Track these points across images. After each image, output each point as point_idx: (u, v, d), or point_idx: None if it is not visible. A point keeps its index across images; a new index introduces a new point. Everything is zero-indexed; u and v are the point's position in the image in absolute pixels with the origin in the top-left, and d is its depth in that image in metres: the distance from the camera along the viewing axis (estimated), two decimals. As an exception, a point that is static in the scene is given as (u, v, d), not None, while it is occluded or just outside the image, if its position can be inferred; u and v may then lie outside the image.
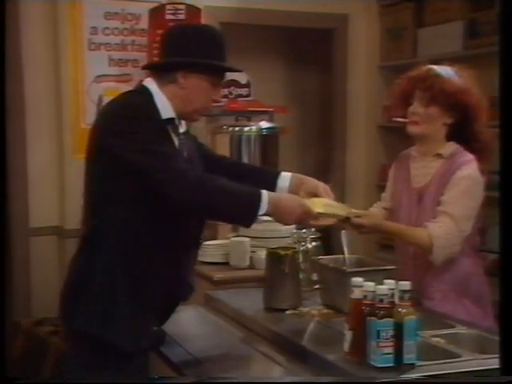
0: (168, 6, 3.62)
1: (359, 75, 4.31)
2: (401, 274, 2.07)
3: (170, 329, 1.97)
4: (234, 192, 1.76)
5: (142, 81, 1.90)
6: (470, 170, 2.07)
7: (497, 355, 1.50)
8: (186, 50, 1.81)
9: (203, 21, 3.64)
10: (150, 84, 1.84)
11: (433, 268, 2.09)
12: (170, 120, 1.82)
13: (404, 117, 2.17)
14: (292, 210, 1.80)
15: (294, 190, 1.98)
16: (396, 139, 4.23)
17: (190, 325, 2.19)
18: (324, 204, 1.90)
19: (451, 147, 2.14)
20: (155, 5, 3.65)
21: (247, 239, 2.76)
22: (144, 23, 3.70)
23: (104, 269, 1.76)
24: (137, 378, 1.80)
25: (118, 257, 1.76)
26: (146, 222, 1.76)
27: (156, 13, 3.63)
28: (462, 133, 2.14)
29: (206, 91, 1.84)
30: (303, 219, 1.85)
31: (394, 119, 2.21)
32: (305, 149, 4.94)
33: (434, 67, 2.15)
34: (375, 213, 2.28)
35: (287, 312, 2.02)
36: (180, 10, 3.59)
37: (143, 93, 1.82)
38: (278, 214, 1.79)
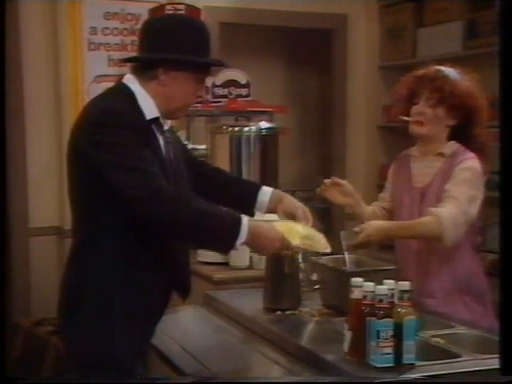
0: (168, 6, 3.62)
1: (359, 75, 4.31)
2: (402, 273, 2.09)
3: (169, 329, 1.97)
4: (213, 217, 1.67)
5: (121, 78, 1.80)
6: (470, 163, 2.09)
7: (496, 355, 1.50)
8: (167, 44, 1.71)
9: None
10: (132, 82, 1.74)
11: (435, 266, 2.10)
12: (155, 119, 1.74)
13: (407, 116, 2.16)
14: (271, 242, 1.73)
15: (272, 206, 1.93)
16: (395, 139, 4.23)
17: (189, 325, 2.19)
18: (302, 235, 1.82)
19: (452, 146, 2.15)
20: (155, 5, 3.65)
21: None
22: (144, 23, 3.70)
23: (97, 283, 1.70)
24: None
25: (111, 270, 1.70)
26: (133, 232, 1.69)
27: (156, 13, 3.62)
28: (462, 133, 2.14)
29: (189, 88, 1.75)
30: (280, 250, 1.81)
31: (400, 117, 2.18)
32: (304, 149, 4.94)
33: (443, 68, 2.14)
34: (369, 218, 2.24)
35: (287, 312, 2.02)
36: (180, 10, 3.59)
37: (125, 93, 1.72)
38: (256, 245, 1.74)
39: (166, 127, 1.80)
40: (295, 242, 1.79)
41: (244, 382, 1.60)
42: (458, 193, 2.04)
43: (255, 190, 1.95)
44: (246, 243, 1.69)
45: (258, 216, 2.05)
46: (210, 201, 1.74)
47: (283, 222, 1.85)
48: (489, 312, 2.11)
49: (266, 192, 1.95)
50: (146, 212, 1.64)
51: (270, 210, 1.95)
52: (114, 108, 1.68)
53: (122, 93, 1.74)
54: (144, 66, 1.75)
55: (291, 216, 1.90)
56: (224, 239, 1.69)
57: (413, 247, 2.15)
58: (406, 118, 2.16)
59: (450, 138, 2.16)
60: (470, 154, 2.11)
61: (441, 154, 2.15)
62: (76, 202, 1.77)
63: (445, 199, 2.06)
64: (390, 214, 2.28)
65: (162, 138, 1.78)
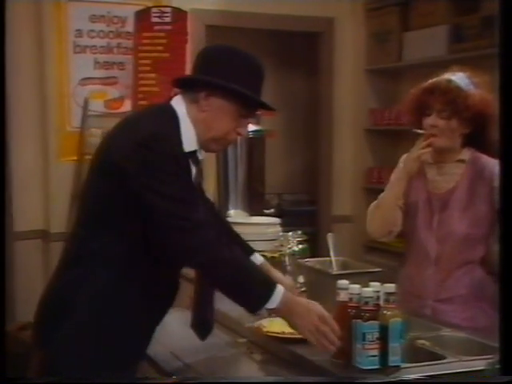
0: (154, 9, 3.62)
1: (346, 78, 4.33)
2: (418, 279, 2.10)
3: (156, 332, 1.96)
4: (249, 270, 1.62)
5: (172, 97, 1.71)
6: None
7: (481, 357, 1.51)
8: (215, 69, 1.64)
9: (189, 24, 3.64)
10: (178, 105, 1.67)
11: (452, 274, 2.09)
12: (193, 152, 1.66)
13: (418, 127, 2.12)
14: (306, 322, 1.59)
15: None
16: (382, 142, 4.26)
17: (176, 328, 2.18)
18: (281, 322, 1.75)
19: (469, 152, 2.13)
20: (141, 8, 3.65)
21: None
22: (130, 26, 3.70)
23: (91, 301, 1.62)
24: None
25: (110, 287, 1.62)
26: (145, 258, 1.62)
27: (142, 16, 3.63)
28: (476, 140, 2.12)
29: (230, 120, 1.66)
30: (313, 335, 1.58)
31: (414, 131, 2.12)
32: (291, 152, 4.95)
33: (453, 78, 2.08)
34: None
35: (273, 315, 2.01)
36: (166, 12, 3.59)
37: (171, 118, 1.63)
38: (289, 319, 1.62)
39: (200, 157, 1.72)
40: (275, 329, 1.74)
41: (226, 382, 1.60)
42: None
43: (249, 253, 1.91)
44: (277, 312, 1.62)
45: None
46: None
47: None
48: None
49: (257, 257, 1.92)
50: (183, 242, 1.57)
51: None
52: (162, 134, 1.60)
53: (168, 117, 1.65)
54: (189, 88, 1.68)
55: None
56: (254, 299, 1.61)
57: (431, 255, 2.12)
58: (419, 131, 2.10)
59: (464, 144, 2.13)
60: (490, 159, 2.10)
61: (461, 161, 2.13)
62: (91, 210, 1.69)
63: None
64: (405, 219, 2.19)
65: (195, 169, 1.70)
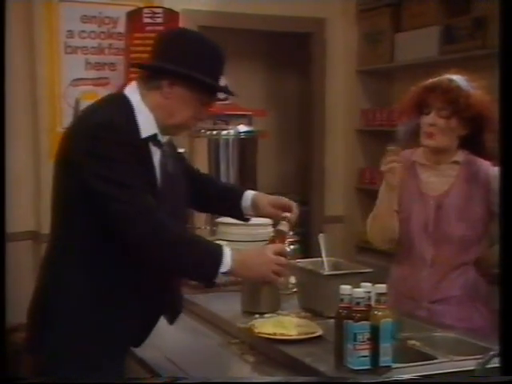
0: (145, 10, 3.61)
1: (337, 79, 4.34)
2: (413, 281, 2.11)
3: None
4: (195, 244, 1.66)
5: (124, 86, 1.75)
6: (497, 168, 2.08)
7: (472, 357, 1.52)
8: (179, 57, 1.65)
9: (181, 25, 3.63)
10: (132, 93, 1.69)
11: (448, 274, 2.10)
12: (152, 136, 1.68)
13: (414, 125, 2.12)
14: (258, 266, 1.71)
15: (254, 208, 1.94)
16: (374, 143, 4.27)
17: (167, 329, 2.18)
18: (273, 323, 1.81)
19: (463, 154, 2.14)
20: (133, 8, 3.64)
21: (225, 243, 2.75)
22: (121, 27, 3.69)
23: (75, 298, 1.65)
24: None
25: (90, 283, 1.65)
26: (115, 247, 1.63)
27: (133, 16, 3.62)
28: (471, 142, 2.13)
29: (192, 107, 1.69)
30: (269, 277, 1.74)
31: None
32: (283, 152, 4.95)
33: (454, 78, 2.08)
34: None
35: (265, 315, 2.02)
36: (158, 13, 3.58)
37: (123, 106, 1.66)
38: (242, 273, 1.71)
39: (164, 140, 1.73)
40: (266, 329, 1.77)
41: (217, 383, 1.60)
42: None
43: (239, 198, 1.95)
44: (233, 272, 1.66)
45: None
46: (206, 212, 1.71)
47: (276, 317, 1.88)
48: (495, 313, 2.14)
49: (247, 197, 1.96)
50: (127, 228, 1.60)
51: (255, 211, 1.95)
52: (111, 122, 1.62)
53: (120, 105, 1.67)
54: (150, 75, 1.69)
55: (280, 207, 1.91)
56: (206, 269, 1.65)
57: (426, 257, 2.12)
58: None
59: (460, 146, 2.14)
60: (484, 161, 2.11)
61: (455, 162, 2.13)
62: (58, 210, 1.72)
63: None
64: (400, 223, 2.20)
65: (160, 152, 1.71)
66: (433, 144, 2.10)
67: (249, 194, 1.96)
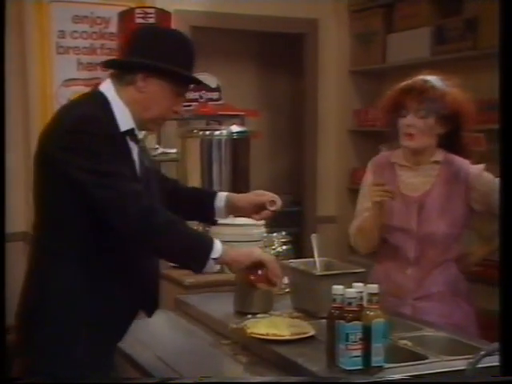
0: (137, 10, 3.60)
1: (330, 79, 4.35)
2: (396, 279, 2.14)
3: (140, 334, 1.95)
4: (186, 230, 1.67)
5: (98, 84, 1.76)
6: (476, 165, 2.15)
7: (463, 357, 1.53)
8: (150, 51, 1.68)
9: (173, 25, 3.63)
10: (107, 89, 1.71)
11: (431, 271, 2.14)
12: (129, 130, 1.70)
13: (394, 128, 2.16)
14: (244, 256, 1.74)
15: (230, 208, 1.93)
16: (366, 143, 4.28)
17: (160, 330, 2.18)
18: (290, 325, 1.81)
19: (442, 153, 2.18)
20: (125, 8, 3.63)
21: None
22: (113, 27, 3.68)
23: (60, 296, 1.66)
24: None
25: (74, 281, 1.65)
26: (100, 243, 1.66)
27: (125, 16, 3.61)
28: (449, 141, 2.16)
29: (167, 99, 1.71)
30: (252, 263, 1.74)
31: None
32: (276, 153, 4.95)
33: (428, 78, 2.12)
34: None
35: (258, 316, 2.02)
36: (150, 13, 3.58)
37: (99, 101, 1.68)
38: (228, 260, 1.71)
39: (140, 136, 1.77)
40: (259, 330, 1.77)
41: (208, 382, 1.60)
42: None
43: (211, 198, 1.94)
44: (222, 259, 1.67)
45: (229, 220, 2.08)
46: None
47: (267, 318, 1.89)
48: (475, 310, 2.20)
49: (220, 198, 1.95)
50: (117, 213, 1.61)
51: (230, 211, 1.95)
52: (90, 115, 1.64)
53: (96, 100, 1.70)
54: (123, 71, 1.72)
55: (260, 203, 1.90)
56: (197, 254, 1.65)
57: (410, 256, 2.15)
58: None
59: (438, 145, 2.17)
60: (463, 160, 2.16)
61: (436, 162, 2.17)
62: (41, 209, 1.73)
63: None
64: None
65: (137, 147, 1.74)
66: (413, 145, 2.13)
67: (223, 195, 1.95)
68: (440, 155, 2.17)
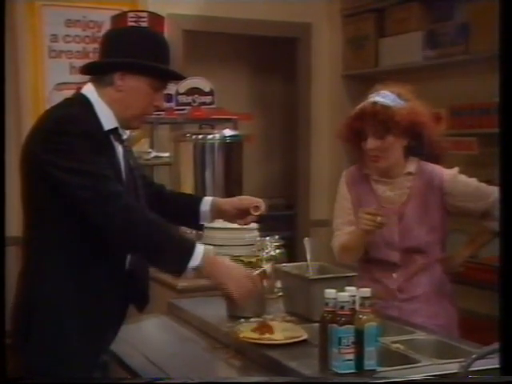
0: (130, 14, 3.60)
1: (323, 83, 4.36)
2: (382, 284, 2.17)
3: (132, 338, 1.95)
4: (167, 232, 1.65)
5: (80, 88, 1.78)
6: (450, 170, 2.20)
7: (454, 360, 1.53)
8: (124, 50, 1.70)
9: (166, 29, 3.63)
10: (89, 91, 1.73)
11: (416, 273, 2.18)
12: (113, 130, 1.72)
13: (360, 153, 2.20)
14: (231, 275, 1.68)
15: (215, 213, 1.93)
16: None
17: (152, 334, 2.18)
18: (282, 329, 1.80)
19: (414, 163, 2.21)
20: (117, 12, 3.63)
21: (211, 247, 2.74)
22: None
23: (49, 296, 1.66)
24: None
25: (63, 281, 1.66)
26: (86, 241, 1.66)
27: (118, 20, 3.61)
28: (416, 149, 2.20)
29: (146, 95, 1.72)
30: (242, 288, 1.68)
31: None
32: (269, 156, 4.96)
33: (378, 99, 2.16)
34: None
35: (251, 320, 2.02)
36: (142, 17, 3.58)
37: (82, 103, 1.71)
38: (213, 274, 1.66)
39: (125, 136, 1.79)
40: (279, 336, 1.76)
41: (199, 383, 1.60)
42: (488, 190, 2.14)
43: (197, 203, 1.94)
44: (202, 269, 1.64)
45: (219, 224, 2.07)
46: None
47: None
48: (457, 310, 2.24)
49: (206, 202, 1.95)
50: (97, 213, 1.61)
51: (214, 216, 1.94)
52: (72, 116, 1.67)
53: (79, 102, 1.72)
54: (101, 72, 1.74)
55: (244, 207, 1.90)
56: (176, 258, 1.64)
57: (394, 264, 2.18)
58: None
59: (407, 154, 2.21)
60: (436, 166, 2.20)
61: (409, 174, 2.20)
62: (28, 211, 1.75)
63: (490, 207, 2.12)
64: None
65: (122, 147, 1.76)
66: (381, 165, 2.19)
67: (208, 199, 1.96)
68: (412, 166, 2.21)
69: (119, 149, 1.75)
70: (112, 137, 1.73)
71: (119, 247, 1.70)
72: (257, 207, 1.91)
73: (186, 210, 1.96)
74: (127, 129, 1.81)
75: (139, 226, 1.62)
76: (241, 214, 1.92)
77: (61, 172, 1.62)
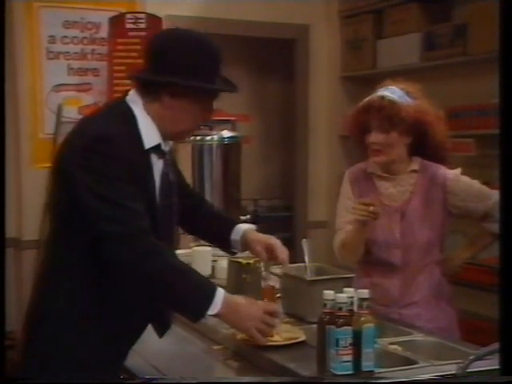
0: (128, 15, 3.61)
1: (321, 85, 4.36)
2: (383, 288, 2.16)
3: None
4: (186, 277, 1.58)
5: (125, 95, 1.66)
6: (453, 171, 2.19)
7: (452, 361, 1.53)
8: (174, 66, 1.58)
9: (164, 30, 3.63)
10: (134, 102, 1.63)
11: (416, 278, 2.17)
12: (155, 146, 1.63)
13: (364, 146, 2.20)
14: (250, 320, 1.62)
15: (244, 246, 1.86)
16: (357, 149, 4.29)
17: (151, 335, 2.17)
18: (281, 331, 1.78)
19: (418, 161, 2.21)
20: (115, 13, 3.63)
21: (209, 248, 2.75)
22: (104, 32, 3.68)
23: (68, 310, 1.61)
24: None
25: (82, 297, 1.61)
26: (99, 267, 1.58)
27: (116, 22, 3.61)
28: (420, 148, 2.20)
29: (194, 113, 1.64)
30: (259, 330, 1.64)
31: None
32: (267, 158, 4.96)
33: (386, 94, 2.15)
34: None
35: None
36: (140, 19, 3.58)
37: (125, 116, 1.60)
38: (233, 321, 1.63)
39: (167, 148, 1.70)
40: (277, 337, 1.75)
41: (195, 383, 1.60)
42: (491, 194, 2.14)
43: (228, 230, 1.88)
44: (221, 316, 1.60)
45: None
46: (192, 234, 1.70)
47: None
48: (456, 312, 2.24)
49: (237, 232, 1.87)
50: (119, 250, 1.54)
51: (247, 249, 1.89)
52: (111, 135, 1.56)
53: (122, 115, 1.62)
54: (149, 85, 1.63)
55: (269, 247, 1.84)
56: (196, 306, 1.58)
57: (396, 265, 2.17)
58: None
59: (411, 153, 2.21)
60: (439, 165, 2.20)
61: (413, 171, 2.20)
62: (54, 218, 1.68)
63: (490, 210, 2.13)
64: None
65: (162, 162, 1.67)
66: (381, 160, 2.18)
67: (240, 228, 1.88)
68: (416, 164, 2.21)
69: (158, 165, 1.66)
70: (152, 154, 1.63)
71: (130, 288, 1.62)
72: (277, 252, 1.84)
73: (218, 235, 1.90)
74: (175, 140, 1.73)
75: (157, 275, 1.55)
76: (267, 252, 1.86)
77: (87, 192, 1.53)
